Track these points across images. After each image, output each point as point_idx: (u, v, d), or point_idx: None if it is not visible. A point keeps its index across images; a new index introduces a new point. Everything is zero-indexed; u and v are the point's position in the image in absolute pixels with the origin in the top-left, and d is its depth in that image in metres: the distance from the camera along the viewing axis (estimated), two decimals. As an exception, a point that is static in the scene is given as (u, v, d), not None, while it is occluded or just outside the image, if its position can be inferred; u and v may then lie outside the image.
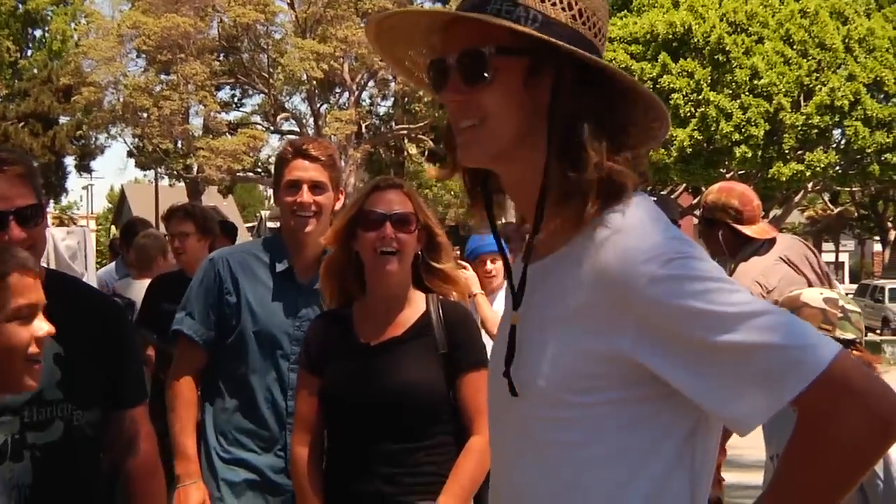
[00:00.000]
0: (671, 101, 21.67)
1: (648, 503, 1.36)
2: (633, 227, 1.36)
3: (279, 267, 3.47)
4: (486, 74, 1.41)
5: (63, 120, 38.49)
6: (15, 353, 1.89)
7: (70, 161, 41.39)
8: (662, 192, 21.45)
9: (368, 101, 35.51)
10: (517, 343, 1.44)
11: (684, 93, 22.41)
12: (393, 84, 33.80)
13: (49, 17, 41.81)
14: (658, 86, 22.83)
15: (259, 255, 3.60)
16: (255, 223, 51.18)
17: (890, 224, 41.04)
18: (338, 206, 3.51)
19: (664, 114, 1.47)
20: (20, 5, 40.40)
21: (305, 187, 3.35)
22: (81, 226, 25.82)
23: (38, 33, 42.71)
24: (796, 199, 27.49)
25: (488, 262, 5.03)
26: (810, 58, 22.31)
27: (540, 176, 1.43)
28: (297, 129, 34.33)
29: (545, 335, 1.41)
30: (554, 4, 1.41)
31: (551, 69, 1.38)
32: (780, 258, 4.54)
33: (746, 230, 4.54)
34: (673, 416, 1.35)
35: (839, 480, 1.28)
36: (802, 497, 1.28)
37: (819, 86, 22.12)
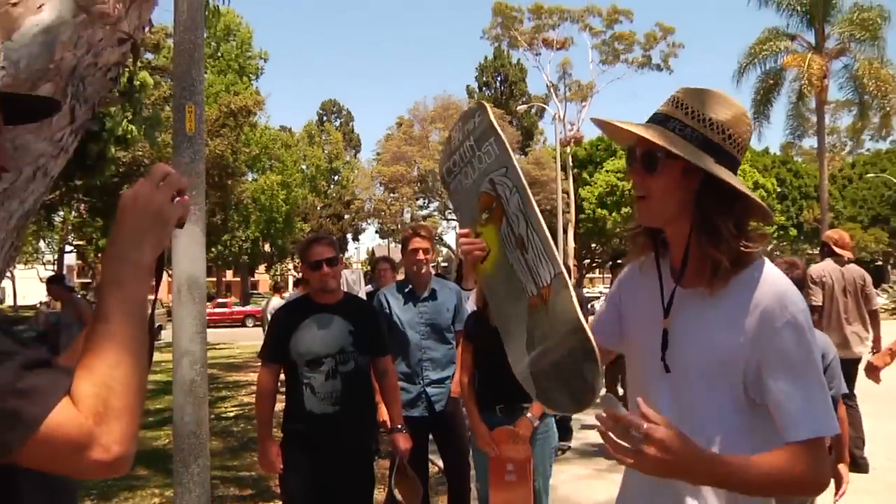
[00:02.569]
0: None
1: None
2: (778, 279, 1.57)
3: (406, 289, 4.78)
4: (655, 168, 1.61)
5: (346, 217, 50.56)
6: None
7: (349, 236, 52.97)
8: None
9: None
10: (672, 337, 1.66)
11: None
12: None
13: (340, 170, 53.33)
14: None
15: (398, 287, 4.89)
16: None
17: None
18: (432, 256, 4.72)
19: (766, 214, 1.62)
20: (329, 164, 51.94)
21: (420, 250, 4.68)
22: (356, 269, 31.68)
23: (336, 178, 53.32)
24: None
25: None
26: None
27: (685, 241, 1.65)
28: (456, 219, 43.23)
29: (702, 334, 1.62)
30: (711, 128, 1.59)
31: (701, 172, 1.55)
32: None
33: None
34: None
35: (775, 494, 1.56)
36: (753, 481, 1.47)
37: None
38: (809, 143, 34.79)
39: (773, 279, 1.59)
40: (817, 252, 7.22)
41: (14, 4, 4.09)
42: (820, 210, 27.92)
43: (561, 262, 1.82)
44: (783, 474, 1.49)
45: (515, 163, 1.91)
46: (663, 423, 1.43)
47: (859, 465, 6.23)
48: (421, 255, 4.69)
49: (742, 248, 1.59)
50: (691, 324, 1.65)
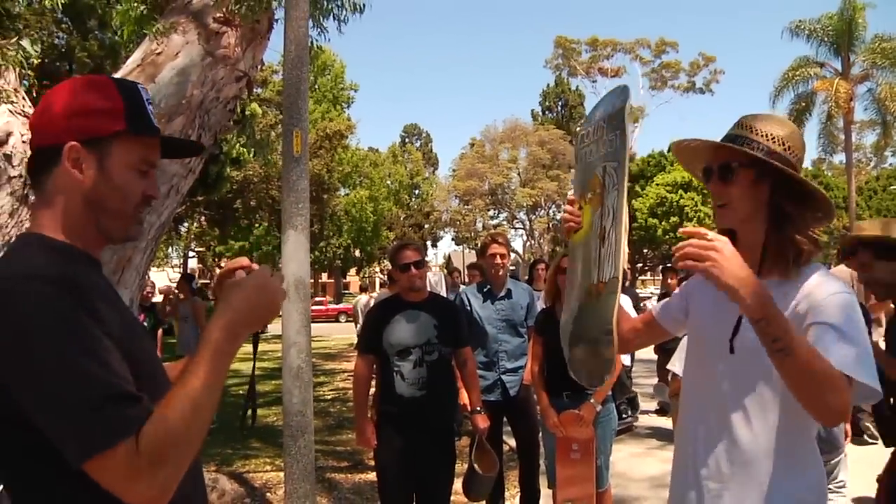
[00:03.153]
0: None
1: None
2: (825, 276, 1.63)
3: (485, 289, 4.78)
4: (732, 177, 1.67)
5: (426, 226, 49.56)
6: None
7: (429, 243, 50.81)
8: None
9: (554, 220, 41.42)
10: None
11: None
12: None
13: (420, 185, 52.77)
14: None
15: (478, 287, 4.85)
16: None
17: None
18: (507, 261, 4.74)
19: (830, 208, 1.66)
20: (411, 179, 51.07)
21: (498, 255, 4.75)
22: (437, 272, 30.27)
23: (417, 192, 52.42)
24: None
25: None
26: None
27: (757, 238, 1.70)
28: (522, 229, 43.46)
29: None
30: (773, 141, 1.66)
31: (769, 179, 1.64)
32: None
33: None
34: None
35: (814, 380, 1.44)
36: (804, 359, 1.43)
37: None
38: (838, 158, 33.73)
39: (824, 274, 1.66)
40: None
41: (158, 54, 4.32)
42: (848, 219, 27.66)
43: (622, 269, 1.81)
44: (818, 362, 1.44)
45: (626, 163, 1.86)
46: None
47: (861, 429, 6.57)
48: (499, 260, 4.70)
49: (811, 236, 1.67)
50: None
